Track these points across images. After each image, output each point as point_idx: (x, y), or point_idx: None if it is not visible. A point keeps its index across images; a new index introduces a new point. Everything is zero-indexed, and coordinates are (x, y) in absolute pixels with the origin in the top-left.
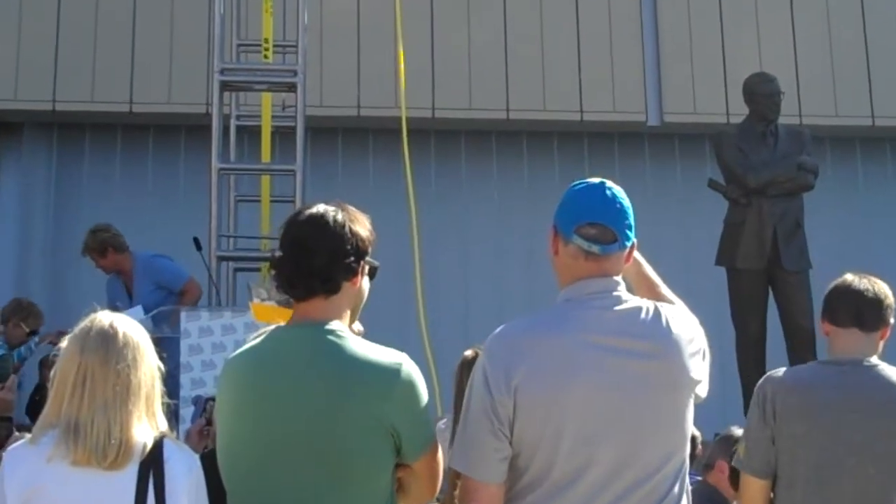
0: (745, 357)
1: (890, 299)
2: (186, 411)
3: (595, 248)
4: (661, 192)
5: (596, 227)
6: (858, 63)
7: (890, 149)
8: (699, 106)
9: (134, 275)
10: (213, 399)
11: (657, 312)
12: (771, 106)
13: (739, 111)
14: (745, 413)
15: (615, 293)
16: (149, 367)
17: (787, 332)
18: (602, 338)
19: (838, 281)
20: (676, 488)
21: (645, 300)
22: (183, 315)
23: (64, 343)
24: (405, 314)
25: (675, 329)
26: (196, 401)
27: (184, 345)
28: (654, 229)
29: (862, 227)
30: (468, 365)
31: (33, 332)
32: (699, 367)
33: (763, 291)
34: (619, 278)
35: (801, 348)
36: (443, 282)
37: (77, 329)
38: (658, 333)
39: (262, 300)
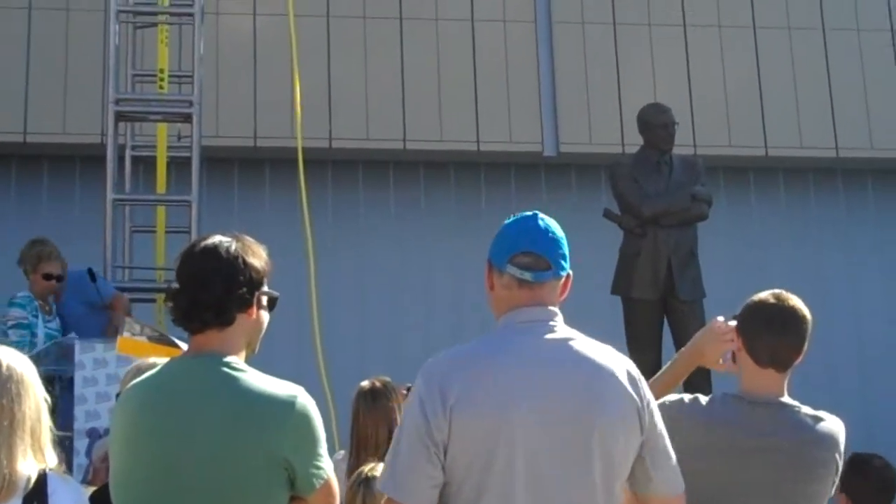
0: None
1: (809, 327)
2: (81, 444)
3: (528, 276)
4: (557, 222)
5: (529, 255)
6: (751, 94)
7: (783, 178)
8: (595, 136)
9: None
10: None
11: (592, 346)
12: (665, 136)
13: (635, 141)
14: None
15: (551, 322)
16: (34, 400)
17: None
18: (534, 367)
19: (759, 305)
20: None
21: (580, 333)
22: (77, 346)
23: None
24: (302, 345)
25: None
26: (91, 433)
27: (78, 377)
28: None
29: (756, 256)
30: (364, 395)
31: (51, 277)
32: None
33: (658, 321)
34: (555, 308)
35: (696, 377)
36: (340, 312)
37: None
38: (594, 365)
39: (134, 335)
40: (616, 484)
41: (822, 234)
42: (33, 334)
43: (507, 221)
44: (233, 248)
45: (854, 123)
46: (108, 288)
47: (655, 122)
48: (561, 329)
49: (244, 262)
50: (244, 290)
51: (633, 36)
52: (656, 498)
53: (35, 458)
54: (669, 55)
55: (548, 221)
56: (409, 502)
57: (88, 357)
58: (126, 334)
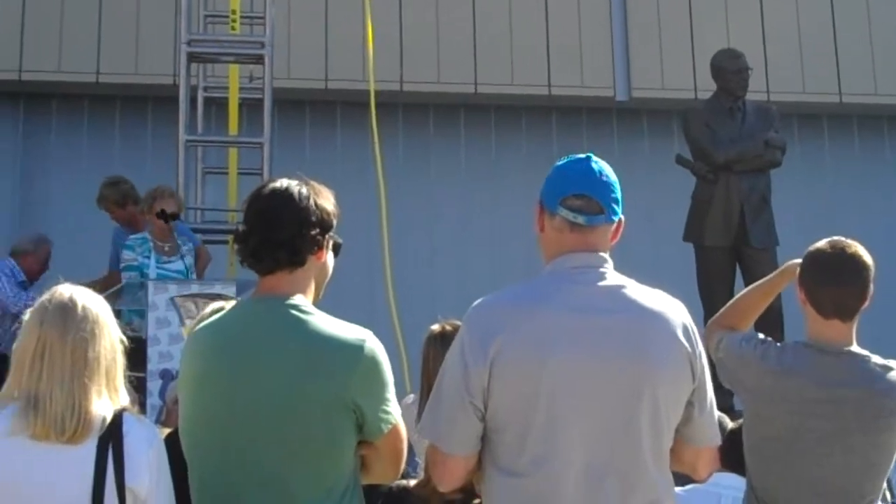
0: None
1: (871, 273)
2: (154, 384)
3: (581, 219)
4: (629, 168)
5: (581, 198)
6: (826, 40)
7: (857, 125)
8: (667, 81)
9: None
10: None
11: (644, 292)
12: (739, 82)
13: (707, 87)
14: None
15: (601, 269)
16: (109, 340)
17: None
18: (584, 314)
19: (816, 255)
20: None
21: (631, 280)
22: (150, 287)
23: (26, 316)
24: (373, 290)
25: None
26: (164, 374)
27: (151, 318)
28: (622, 204)
29: (829, 204)
30: (434, 339)
31: (173, 216)
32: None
33: (730, 268)
34: (605, 254)
35: (768, 326)
36: (410, 257)
37: (38, 302)
38: (644, 313)
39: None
40: (665, 431)
41: None
42: (143, 275)
43: (559, 163)
44: (304, 189)
45: None
46: (193, 237)
47: (729, 68)
48: (612, 276)
49: (316, 203)
50: (317, 231)
51: None
52: (691, 445)
53: (110, 398)
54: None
55: (601, 164)
56: (450, 451)
57: (161, 298)
58: (188, 322)
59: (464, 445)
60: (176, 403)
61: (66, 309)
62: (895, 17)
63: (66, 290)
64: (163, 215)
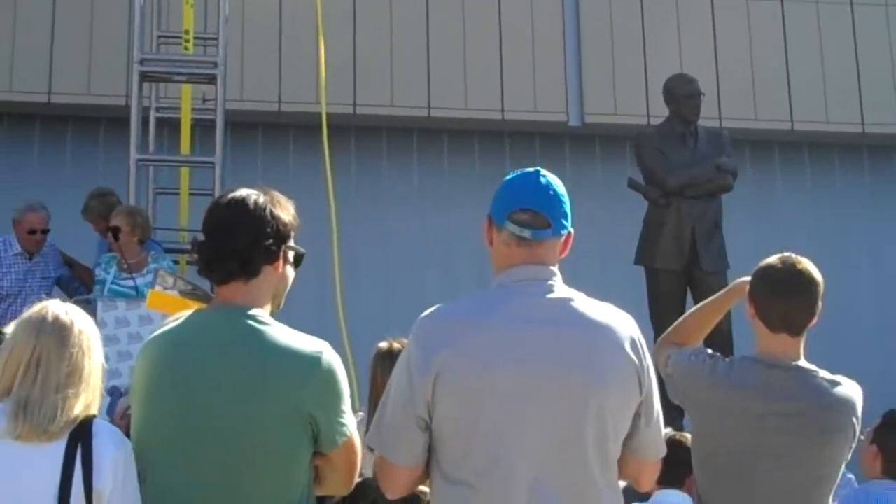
0: None
1: (820, 289)
2: (102, 402)
3: (527, 233)
4: (581, 193)
5: (528, 212)
6: (778, 67)
7: (808, 152)
8: (620, 107)
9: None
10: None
11: (591, 305)
12: (691, 107)
13: (660, 113)
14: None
15: (549, 282)
16: (97, 358)
17: None
18: (530, 326)
19: (767, 270)
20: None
21: (579, 293)
22: (99, 305)
23: (10, 328)
24: (324, 311)
25: (608, 322)
26: (112, 391)
27: (100, 335)
28: (574, 229)
29: (780, 229)
30: (382, 357)
31: (113, 231)
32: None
33: (681, 292)
34: (554, 268)
35: (718, 349)
36: (362, 279)
37: (28, 314)
38: (591, 325)
39: (166, 288)
40: (611, 443)
41: (847, 208)
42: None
43: (508, 177)
44: (261, 199)
45: (880, 98)
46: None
47: (682, 93)
48: (560, 288)
49: (272, 213)
50: (270, 241)
51: (660, 6)
52: (635, 457)
53: (90, 410)
54: (696, 26)
55: (549, 178)
56: (396, 462)
57: (110, 315)
58: (158, 288)
59: (409, 456)
60: (122, 419)
61: (64, 322)
62: (847, 46)
63: (59, 306)
64: (112, 231)
